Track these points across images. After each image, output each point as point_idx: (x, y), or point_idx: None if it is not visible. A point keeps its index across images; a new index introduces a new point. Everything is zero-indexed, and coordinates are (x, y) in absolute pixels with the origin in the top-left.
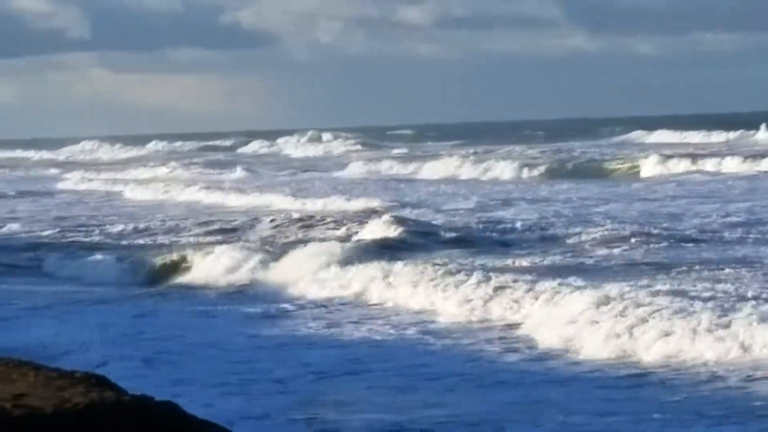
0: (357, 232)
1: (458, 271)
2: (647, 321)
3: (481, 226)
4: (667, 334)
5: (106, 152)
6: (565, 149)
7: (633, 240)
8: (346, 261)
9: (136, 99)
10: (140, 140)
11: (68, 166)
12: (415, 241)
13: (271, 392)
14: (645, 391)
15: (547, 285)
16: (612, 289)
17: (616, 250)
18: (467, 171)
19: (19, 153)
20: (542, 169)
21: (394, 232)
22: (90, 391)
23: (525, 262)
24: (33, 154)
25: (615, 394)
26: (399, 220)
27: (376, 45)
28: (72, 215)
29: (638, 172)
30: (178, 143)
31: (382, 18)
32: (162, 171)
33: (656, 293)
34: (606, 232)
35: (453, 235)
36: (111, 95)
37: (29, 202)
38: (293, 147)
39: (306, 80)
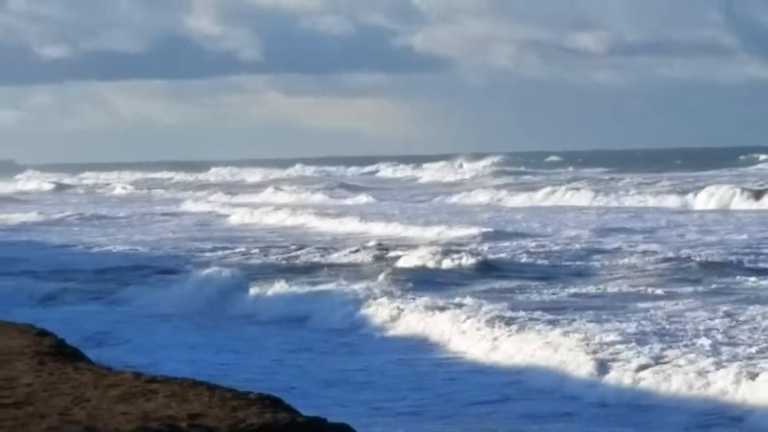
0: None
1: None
2: None
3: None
4: None
5: (251, 174)
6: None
7: None
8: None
9: (310, 122)
10: (313, 162)
11: (207, 187)
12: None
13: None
14: None
15: None
16: None
17: None
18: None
19: (163, 174)
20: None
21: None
22: (264, 411)
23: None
24: (174, 175)
25: None
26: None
27: (549, 70)
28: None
29: None
30: (332, 167)
31: (554, 43)
32: (283, 195)
33: None
34: None
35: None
36: (284, 119)
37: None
38: (435, 172)
39: (478, 105)
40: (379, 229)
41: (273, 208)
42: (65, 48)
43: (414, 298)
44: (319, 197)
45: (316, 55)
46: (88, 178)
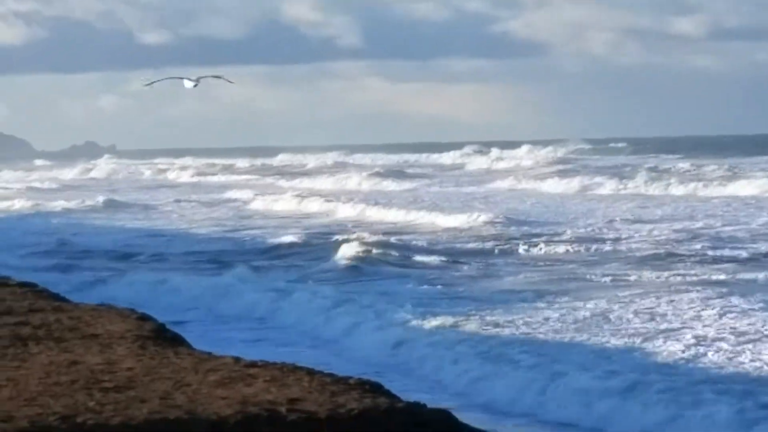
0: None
1: None
2: None
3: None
4: None
5: (315, 160)
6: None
7: None
8: None
9: (407, 108)
10: (407, 149)
11: (262, 172)
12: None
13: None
14: None
15: None
16: None
17: None
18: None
19: (227, 161)
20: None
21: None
22: (364, 396)
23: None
24: (238, 161)
25: None
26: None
27: (647, 56)
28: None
29: None
30: (413, 155)
31: (652, 28)
32: (328, 180)
33: None
34: None
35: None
36: (383, 104)
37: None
38: (496, 160)
39: (575, 91)
40: (372, 214)
41: (293, 194)
42: (165, 34)
43: None
44: (353, 182)
45: (415, 41)
46: (161, 163)
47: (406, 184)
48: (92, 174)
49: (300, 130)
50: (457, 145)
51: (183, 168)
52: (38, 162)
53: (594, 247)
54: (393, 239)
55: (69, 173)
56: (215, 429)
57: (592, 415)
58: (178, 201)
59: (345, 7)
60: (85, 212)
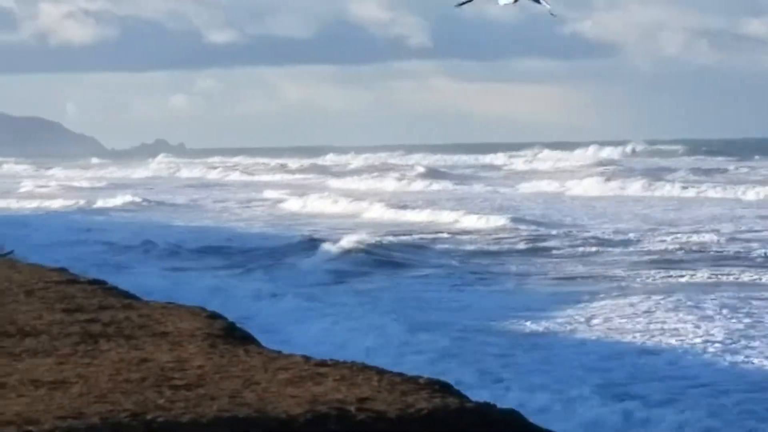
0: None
1: None
2: None
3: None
4: None
5: (367, 159)
6: None
7: None
8: None
9: (474, 108)
10: (478, 149)
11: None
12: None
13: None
14: None
15: None
16: None
17: None
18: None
19: (280, 160)
20: None
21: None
22: (433, 396)
23: None
24: (290, 161)
25: None
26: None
27: (719, 57)
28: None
29: None
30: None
31: (725, 29)
32: (367, 181)
33: None
34: None
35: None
36: (451, 104)
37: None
38: (544, 160)
39: (645, 92)
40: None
41: (321, 195)
42: (233, 33)
43: None
44: (380, 183)
45: (484, 42)
46: (215, 163)
47: (442, 185)
48: (141, 173)
49: (366, 130)
50: (518, 146)
51: (230, 167)
52: (95, 160)
53: (596, 249)
54: (389, 239)
55: (119, 172)
56: (284, 427)
57: None
58: (195, 200)
59: (413, 6)
60: (113, 211)
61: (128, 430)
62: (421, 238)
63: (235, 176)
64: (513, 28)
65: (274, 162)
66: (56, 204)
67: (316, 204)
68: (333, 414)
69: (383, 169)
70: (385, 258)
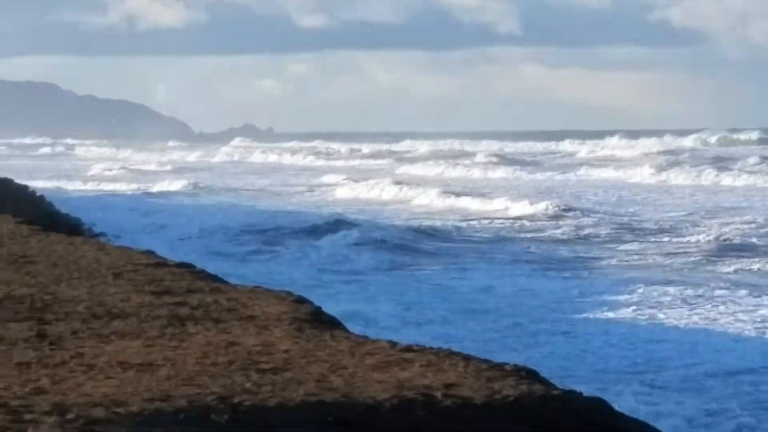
0: None
1: None
2: None
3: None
4: None
5: (437, 145)
6: None
7: None
8: None
9: (564, 95)
10: (556, 136)
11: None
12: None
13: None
14: None
15: None
16: None
17: None
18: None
19: (355, 145)
20: None
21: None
22: (520, 383)
23: None
24: (363, 146)
25: None
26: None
27: None
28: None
29: None
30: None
31: None
32: (431, 167)
33: None
34: None
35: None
36: (540, 90)
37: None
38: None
39: (732, 80)
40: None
41: (381, 182)
42: (324, 18)
43: None
44: (444, 169)
45: (573, 28)
46: (289, 148)
47: (505, 172)
48: (212, 158)
49: (453, 116)
50: (601, 134)
51: (300, 151)
52: (171, 143)
53: (628, 237)
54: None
55: (191, 156)
56: (371, 412)
57: None
58: (251, 184)
59: None
60: (168, 196)
61: (215, 413)
62: (466, 224)
63: (304, 161)
64: (602, 14)
65: (345, 147)
66: (116, 186)
67: (368, 190)
68: (419, 400)
69: (450, 156)
70: (412, 246)
